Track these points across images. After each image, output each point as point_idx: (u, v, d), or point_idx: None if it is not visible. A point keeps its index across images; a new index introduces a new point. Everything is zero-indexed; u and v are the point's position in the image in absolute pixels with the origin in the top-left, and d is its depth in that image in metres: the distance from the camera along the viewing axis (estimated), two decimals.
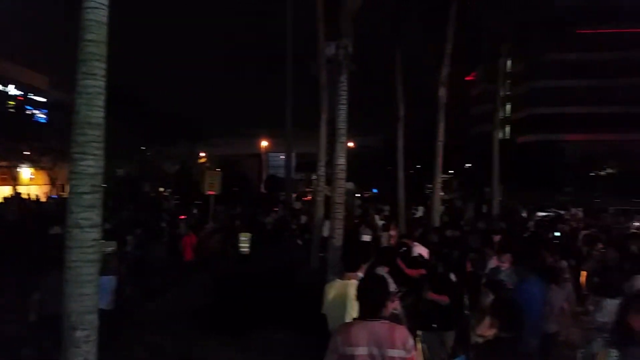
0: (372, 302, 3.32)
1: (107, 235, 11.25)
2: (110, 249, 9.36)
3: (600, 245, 10.27)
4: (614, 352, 2.94)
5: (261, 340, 7.25)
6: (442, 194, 18.14)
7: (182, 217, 17.05)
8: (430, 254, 8.09)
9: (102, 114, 3.50)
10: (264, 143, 50.26)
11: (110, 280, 7.07)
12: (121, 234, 11.72)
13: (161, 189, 41.19)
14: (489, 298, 4.92)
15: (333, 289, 4.67)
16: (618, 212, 25.07)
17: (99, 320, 3.53)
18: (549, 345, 5.84)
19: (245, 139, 55.85)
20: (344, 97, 7.35)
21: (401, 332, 3.26)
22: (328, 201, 9.03)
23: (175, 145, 41.31)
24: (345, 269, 4.78)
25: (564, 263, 8.26)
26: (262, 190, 44.91)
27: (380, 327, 3.22)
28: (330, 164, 8.34)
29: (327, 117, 11.11)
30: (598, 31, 53.61)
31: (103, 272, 6.79)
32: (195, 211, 19.10)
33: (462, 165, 43.87)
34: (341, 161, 7.37)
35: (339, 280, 4.72)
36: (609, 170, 48.72)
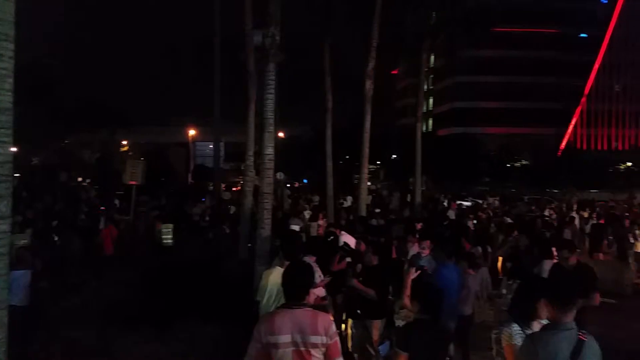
0: (296, 289, 3.36)
1: (20, 227, 10.65)
2: (23, 241, 8.83)
3: (515, 233, 10.97)
4: (516, 327, 3.20)
5: (185, 333, 7.13)
6: (369, 184, 18.63)
7: (102, 208, 16.31)
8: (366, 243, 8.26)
9: (10, 98, 3.26)
10: (192, 132, 48.93)
11: (23, 275, 6.69)
12: (36, 226, 11.07)
13: (80, 179, 39.14)
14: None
15: (271, 276, 4.72)
16: (531, 201, 26.82)
17: (11, 317, 3.32)
18: (466, 326, 6.20)
19: (172, 128, 54.19)
20: (272, 87, 7.31)
21: (323, 319, 3.31)
22: (257, 191, 9.00)
23: (94, 133, 39.34)
24: (285, 257, 4.83)
25: (479, 249, 8.77)
26: (190, 180, 43.86)
27: (303, 314, 3.25)
28: (259, 153, 8.29)
29: (255, 106, 11.03)
30: (512, 30, 57.00)
31: (15, 266, 6.44)
32: (116, 202, 18.34)
33: (389, 156, 45.16)
34: (269, 151, 7.35)
35: (278, 267, 4.77)
36: (523, 162, 52.06)
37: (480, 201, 27.43)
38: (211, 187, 25.37)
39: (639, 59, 62.93)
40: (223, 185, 27.66)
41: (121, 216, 14.66)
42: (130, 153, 47.63)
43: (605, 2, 65.23)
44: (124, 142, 52.75)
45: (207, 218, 16.15)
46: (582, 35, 63.34)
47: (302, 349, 3.18)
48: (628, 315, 9.11)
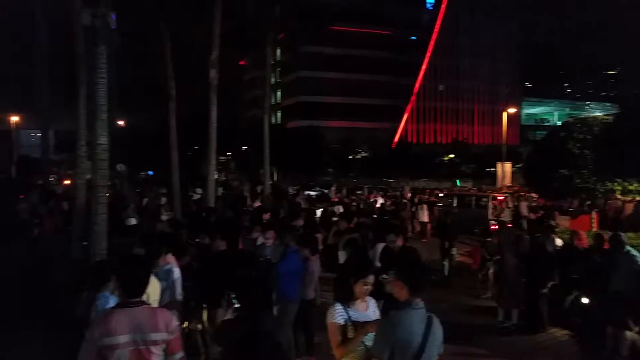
0: (134, 285, 3.18)
1: None
2: None
3: (355, 219, 11.67)
4: (339, 306, 3.44)
5: (8, 340, 6.31)
6: (217, 175, 18.34)
7: None
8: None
9: None
10: (15, 118, 43.19)
11: None
12: None
13: None
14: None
15: None
16: (370, 190, 28.91)
17: None
18: (309, 309, 6.45)
19: None
20: (103, 71, 6.76)
21: (163, 315, 3.21)
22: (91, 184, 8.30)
23: None
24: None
25: (320, 236, 9.17)
26: (13, 173, 38.77)
27: (141, 312, 3.11)
28: (93, 143, 7.62)
29: (86, 91, 10.09)
30: (350, 29, 60.73)
31: None
32: None
33: (239, 148, 44.94)
34: (103, 140, 6.82)
35: None
36: (363, 154, 55.74)
37: (326, 191, 28.80)
38: (40, 182, 22.70)
39: (459, 63, 71.59)
40: (52, 178, 25.00)
41: None
42: None
43: (431, 8, 72.67)
44: None
45: (41, 214, 14.40)
46: (412, 37, 69.84)
47: (142, 347, 3.05)
48: (446, 290, 10.38)
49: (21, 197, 17.65)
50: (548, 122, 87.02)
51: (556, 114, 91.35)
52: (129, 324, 3.03)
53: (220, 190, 19.98)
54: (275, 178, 26.98)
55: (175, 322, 3.27)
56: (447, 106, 73.02)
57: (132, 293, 3.16)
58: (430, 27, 71.74)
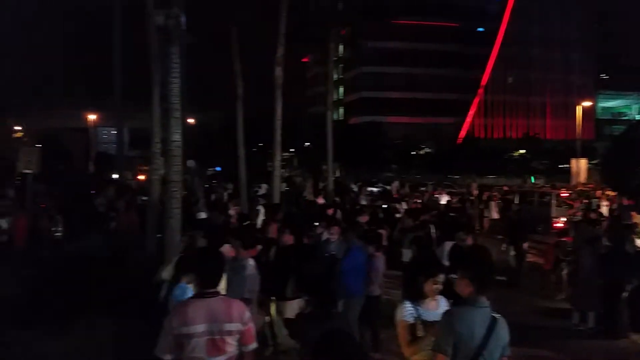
0: (209, 276, 3.31)
1: None
2: None
3: (422, 217, 11.49)
4: (408, 304, 3.41)
5: (85, 329, 6.75)
6: (282, 171, 18.65)
7: None
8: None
9: None
10: (92, 116, 45.92)
11: None
12: None
13: None
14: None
15: None
16: (434, 187, 28.30)
17: None
18: (375, 306, 6.44)
19: (69, 112, 50.51)
20: (177, 70, 7.03)
21: (238, 306, 3.32)
22: (165, 180, 8.69)
23: None
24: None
25: (384, 232, 9.11)
26: (91, 168, 41.26)
27: (216, 302, 3.23)
28: (167, 140, 7.97)
29: (160, 90, 10.55)
30: (413, 23, 59.63)
31: None
32: (11, 192, 16.80)
33: (302, 144, 45.42)
34: (176, 137, 7.10)
35: None
36: (427, 150, 54.69)
37: (388, 187, 28.52)
38: (116, 176, 24.00)
39: (529, 53, 68.46)
40: (128, 173, 26.38)
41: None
42: (24, 139, 43.99)
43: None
44: (17, 128, 48.51)
45: (119, 208, 15.29)
46: (479, 29, 67.55)
47: (217, 337, 3.16)
48: (518, 290, 10.01)
49: (93, 192, 18.78)
50: (626, 116, 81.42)
51: (635, 107, 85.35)
52: (205, 314, 3.15)
53: (284, 186, 20.28)
54: (337, 174, 27.03)
55: (248, 313, 3.36)
56: (517, 99, 69.96)
57: (208, 284, 3.28)
58: (498, 17, 69.05)
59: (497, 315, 3.07)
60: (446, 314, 3.17)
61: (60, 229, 11.50)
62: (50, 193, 17.08)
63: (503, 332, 3.07)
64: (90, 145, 47.07)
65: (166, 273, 4.69)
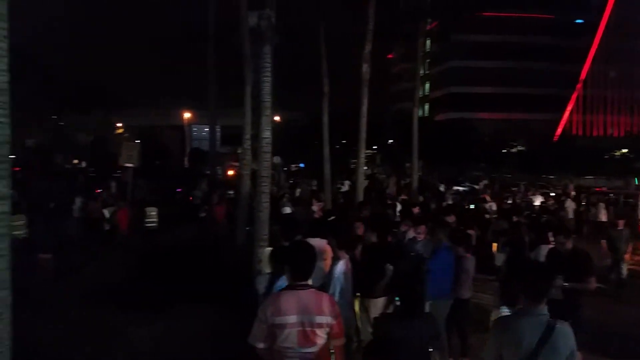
0: (300, 269, 3.40)
1: (15, 209, 10.63)
2: (20, 222, 8.87)
3: (515, 219, 10.97)
4: (505, 309, 3.29)
5: (185, 315, 7.17)
6: (365, 168, 18.63)
7: (98, 190, 16.27)
8: None
9: (6, 78, 3.24)
10: (187, 115, 48.64)
11: None
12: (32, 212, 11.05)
13: (75, 161, 38.94)
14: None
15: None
16: (527, 187, 26.90)
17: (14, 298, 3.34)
18: (464, 309, 6.25)
19: (166, 110, 53.87)
20: (268, 70, 7.23)
21: (328, 299, 3.40)
22: (255, 175, 8.99)
23: (88, 114, 39.04)
24: (284, 239, 4.91)
25: (473, 233, 8.80)
26: (186, 163, 43.72)
27: (307, 295, 3.31)
28: (256, 137, 8.26)
29: (251, 89, 10.95)
30: (506, 15, 56.77)
31: None
32: (113, 184, 18.27)
33: (385, 141, 45.07)
34: (267, 134, 7.32)
35: None
36: (519, 148, 52.07)
37: (476, 186, 27.54)
38: (208, 171, 25.26)
39: (634, 45, 62.79)
40: (219, 168, 27.60)
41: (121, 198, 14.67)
42: (125, 135, 47.43)
43: None
44: (119, 125, 52.46)
45: (212, 201, 16.12)
46: (578, 21, 63.10)
47: (308, 329, 3.25)
48: (618, 301, 9.25)
49: (179, 190, 19.85)
50: None
51: None
52: (296, 305, 3.25)
53: (367, 184, 20.28)
54: (421, 172, 26.50)
55: (337, 307, 3.41)
56: (619, 94, 64.68)
57: (299, 276, 3.37)
58: (600, 7, 64.05)
59: (558, 325, 2.88)
60: (494, 322, 3.11)
61: (154, 220, 12.32)
62: (149, 186, 18.36)
63: (562, 341, 2.86)
64: (186, 142, 49.87)
65: (266, 265, 4.88)
